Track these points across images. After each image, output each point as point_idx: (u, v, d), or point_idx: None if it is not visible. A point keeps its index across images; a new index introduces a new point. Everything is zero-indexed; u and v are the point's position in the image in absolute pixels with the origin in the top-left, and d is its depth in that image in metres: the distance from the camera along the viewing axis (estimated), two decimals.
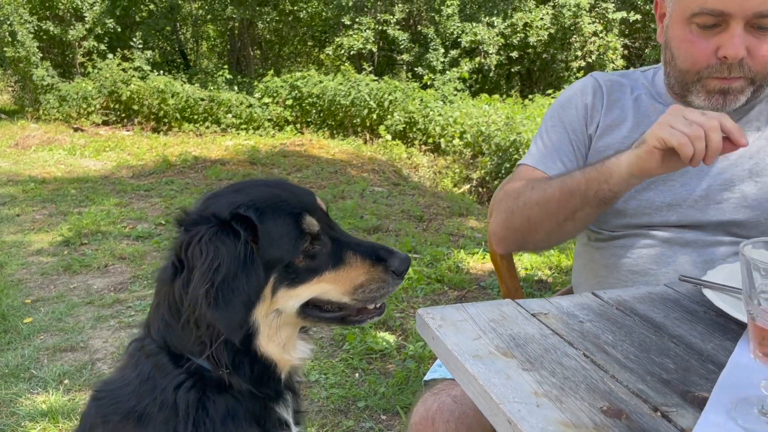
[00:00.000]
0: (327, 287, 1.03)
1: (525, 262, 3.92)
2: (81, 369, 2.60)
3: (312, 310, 1.04)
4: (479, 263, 3.85)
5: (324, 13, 12.39)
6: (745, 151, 1.18)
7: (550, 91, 10.04)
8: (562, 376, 0.74)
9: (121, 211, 5.02)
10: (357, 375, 2.60)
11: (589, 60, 11.02)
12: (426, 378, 1.23)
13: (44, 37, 10.36)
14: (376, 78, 9.92)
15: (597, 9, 11.04)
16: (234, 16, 12.04)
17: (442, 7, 10.92)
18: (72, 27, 10.54)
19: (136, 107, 9.52)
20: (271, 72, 10.71)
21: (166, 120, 9.52)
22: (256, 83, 10.46)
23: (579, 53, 11.02)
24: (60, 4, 10.39)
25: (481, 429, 1.04)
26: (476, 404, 0.73)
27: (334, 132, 9.53)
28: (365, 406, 2.36)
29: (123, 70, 9.76)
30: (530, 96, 10.52)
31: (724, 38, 1.10)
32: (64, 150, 7.73)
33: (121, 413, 1.01)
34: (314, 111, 9.67)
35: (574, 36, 10.85)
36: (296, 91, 9.75)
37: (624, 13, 10.81)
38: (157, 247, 4.15)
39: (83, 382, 2.50)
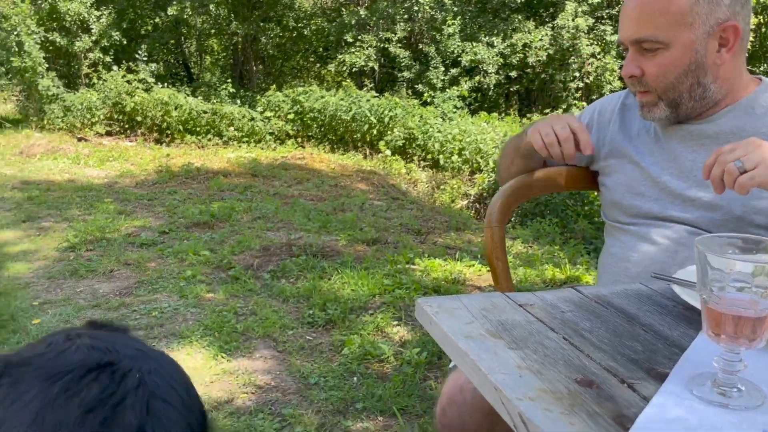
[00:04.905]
0: None
1: (519, 275, 4.02)
2: None
3: None
4: (476, 275, 3.95)
5: (327, 30, 12.59)
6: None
7: (547, 111, 10.22)
8: (543, 354, 0.84)
9: (125, 219, 5.13)
10: (355, 379, 2.69)
11: (587, 81, 11.22)
12: (450, 365, 1.34)
13: (50, 48, 10.53)
14: (376, 94, 10.09)
15: (595, 31, 11.26)
16: (238, 31, 12.24)
17: (444, 27, 11.13)
18: (78, 39, 10.71)
19: (139, 118, 9.66)
20: (274, 87, 10.88)
21: (168, 131, 9.65)
22: (258, 97, 10.62)
23: (577, 74, 11.21)
24: (67, 16, 10.56)
25: None
26: (468, 377, 0.83)
27: (335, 146, 9.67)
28: (363, 407, 2.45)
29: (127, 81, 9.92)
30: (528, 115, 10.70)
31: None
32: (68, 159, 7.84)
33: None
34: (315, 125, 9.82)
35: (573, 57, 11.05)
36: (298, 106, 9.90)
37: None
38: (160, 254, 4.24)
39: None
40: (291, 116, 9.86)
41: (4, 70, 11.61)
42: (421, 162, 9.05)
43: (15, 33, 9.68)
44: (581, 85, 11.22)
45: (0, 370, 0.72)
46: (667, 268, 1.32)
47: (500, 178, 1.73)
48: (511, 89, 11.84)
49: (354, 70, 11.61)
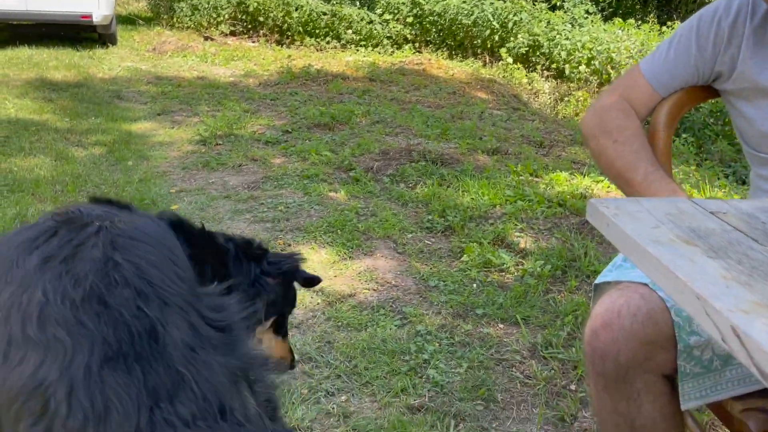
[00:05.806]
0: None
1: None
2: None
3: None
4: (604, 191, 3.74)
5: None
6: None
7: None
8: (750, 266, 0.74)
9: (251, 117, 5.27)
10: (474, 285, 2.67)
11: None
12: (597, 281, 1.24)
13: None
14: None
15: None
16: None
17: None
18: None
19: (261, 19, 9.74)
20: None
21: (289, 33, 9.70)
22: None
23: None
24: None
25: (668, 328, 1.05)
26: (659, 284, 0.75)
27: (453, 53, 9.33)
28: (483, 313, 2.44)
29: None
30: (669, 23, 9.73)
31: None
32: (196, 57, 8.11)
33: None
34: (434, 30, 9.48)
35: None
36: (417, 9, 9.56)
37: None
38: (284, 152, 4.35)
39: None
40: (410, 19, 9.56)
41: None
42: (545, 72, 8.56)
43: None
44: None
45: None
46: None
47: (606, 169, 1.36)
48: None
49: None
